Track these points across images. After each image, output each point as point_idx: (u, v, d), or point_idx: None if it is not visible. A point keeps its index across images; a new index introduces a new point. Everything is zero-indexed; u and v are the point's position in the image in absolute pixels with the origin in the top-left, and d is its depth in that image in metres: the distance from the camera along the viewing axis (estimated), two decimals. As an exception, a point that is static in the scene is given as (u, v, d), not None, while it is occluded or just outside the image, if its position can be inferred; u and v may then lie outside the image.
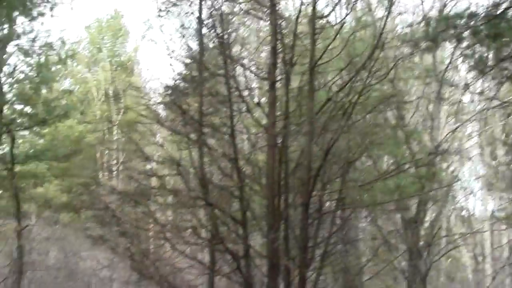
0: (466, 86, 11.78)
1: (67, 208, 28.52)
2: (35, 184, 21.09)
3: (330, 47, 7.93)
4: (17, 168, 14.05)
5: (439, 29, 6.87)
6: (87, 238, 11.19)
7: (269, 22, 8.32)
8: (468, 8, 6.91)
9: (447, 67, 11.68)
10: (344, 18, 8.65)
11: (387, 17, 8.24)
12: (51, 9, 12.91)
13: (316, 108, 7.85)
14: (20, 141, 18.13)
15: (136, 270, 8.72)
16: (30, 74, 13.55)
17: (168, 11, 9.02)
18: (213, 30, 8.52)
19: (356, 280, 11.06)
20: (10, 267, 14.31)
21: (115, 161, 24.07)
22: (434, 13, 11.29)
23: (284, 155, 7.99)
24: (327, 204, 8.60)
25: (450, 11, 10.38)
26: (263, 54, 10.01)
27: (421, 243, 11.47)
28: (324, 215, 8.14)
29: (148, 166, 11.74)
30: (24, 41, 13.17)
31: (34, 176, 18.02)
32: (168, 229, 8.49)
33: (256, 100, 8.88)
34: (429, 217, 12.75)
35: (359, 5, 11.16)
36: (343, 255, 9.63)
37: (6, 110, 13.61)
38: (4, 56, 13.23)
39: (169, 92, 8.94)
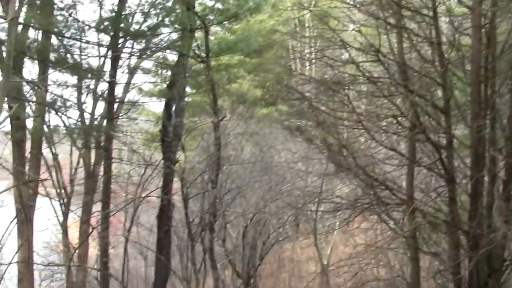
0: None
1: (261, 103, 31.74)
2: (229, 80, 24.04)
3: None
4: (212, 62, 16.65)
5: None
6: (282, 131, 13.25)
7: None
8: None
9: None
10: None
11: None
12: None
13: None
14: (212, 38, 20.84)
15: (332, 161, 10.46)
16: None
17: None
18: None
19: None
20: (207, 161, 17.30)
21: (308, 51, 26.03)
22: None
23: (491, 37, 8.86)
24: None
25: None
26: None
27: None
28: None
29: (345, 54, 13.18)
30: None
31: (228, 68, 20.64)
32: (366, 119, 9.97)
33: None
34: None
35: None
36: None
37: (197, 6, 15.94)
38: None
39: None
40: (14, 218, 15.66)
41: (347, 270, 12.83)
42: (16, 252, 17.95)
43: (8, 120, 17.79)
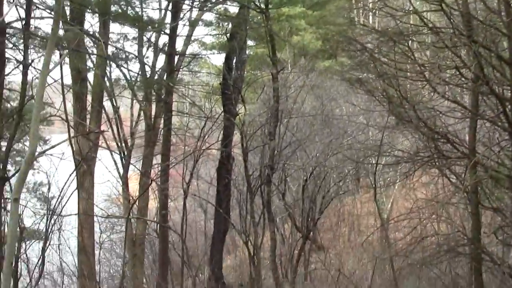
0: None
1: (323, 55, 31.72)
2: (290, 32, 24.11)
3: None
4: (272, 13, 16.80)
5: None
6: (343, 82, 13.31)
7: None
8: None
9: None
10: None
11: None
12: None
13: None
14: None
15: (393, 114, 10.53)
16: None
17: None
18: None
19: None
20: (267, 114, 17.52)
21: (371, 1, 25.79)
22: None
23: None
24: None
25: None
26: None
27: None
28: None
29: (407, 3, 13.10)
30: None
31: (289, 19, 20.68)
32: (428, 70, 9.99)
33: None
34: None
35: None
36: None
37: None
38: None
39: None
40: (74, 170, 16.17)
41: (406, 224, 12.95)
42: (77, 204, 18.72)
43: (69, 73, 18.39)
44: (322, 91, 20.44)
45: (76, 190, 18.63)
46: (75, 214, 18.04)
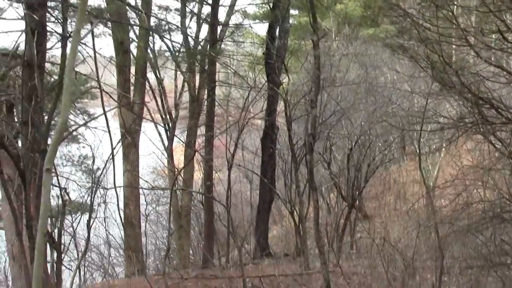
0: None
1: (366, 23, 31.70)
2: (334, 0, 24.15)
3: None
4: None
5: None
6: (388, 51, 13.42)
7: None
8: None
9: None
10: None
11: None
12: None
13: None
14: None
15: (437, 80, 10.64)
16: None
17: None
18: None
19: None
20: (310, 83, 17.68)
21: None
22: None
23: None
24: None
25: None
26: None
27: None
28: None
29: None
30: None
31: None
32: (472, 35, 10.07)
33: None
34: None
35: None
36: None
37: None
38: None
39: None
40: (118, 142, 16.60)
41: (452, 191, 13.09)
42: (122, 177, 19.24)
43: (112, 45, 18.84)
44: (366, 59, 20.55)
45: (121, 163, 19.19)
46: (120, 187, 18.55)
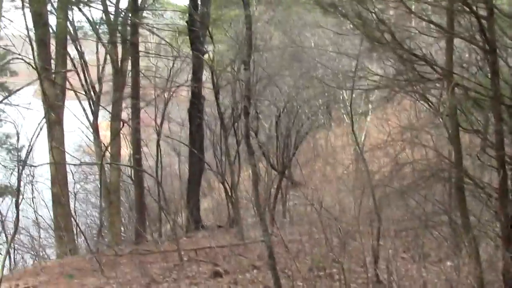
0: None
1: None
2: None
3: None
4: None
5: None
6: (315, 6, 12.77)
7: None
8: None
9: None
10: None
11: None
12: None
13: None
14: None
15: (369, 38, 10.09)
16: None
17: None
18: None
19: None
20: (234, 50, 17.02)
21: None
22: None
23: None
24: None
25: None
26: None
27: None
28: None
29: None
30: None
31: None
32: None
33: None
34: None
35: None
36: None
37: None
38: None
39: None
40: (43, 119, 15.50)
41: (381, 155, 12.71)
42: (48, 155, 18.15)
43: (30, 17, 17.64)
44: (289, 25, 19.93)
45: (46, 140, 18.12)
46: (47, 164, 17.55)
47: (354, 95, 11.81)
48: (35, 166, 16.99)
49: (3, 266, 13.37)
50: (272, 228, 14.39)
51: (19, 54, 15.27)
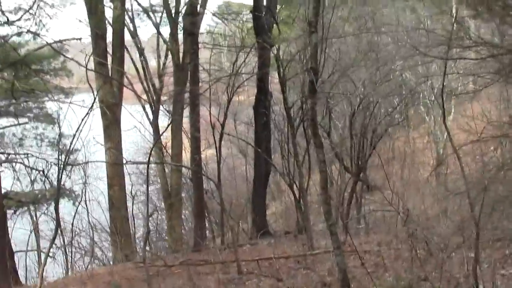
0: None
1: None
2: None
3: None
4: None
5: None
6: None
7: None
8: None
9: None
10: None
11: None
12: None
13: None
14: None
15: (470, 5, 8.15)
16: None
17: None
18: None
19: None
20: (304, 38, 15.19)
21: None
22: None
23: None
24: None
25: None
26: None
27: None
28: None
29: None
30: None
31: None
32: None
33: None
34: None
35: None
36: None
37: None
38: None
39: None
40: (86, 115, 13.65)
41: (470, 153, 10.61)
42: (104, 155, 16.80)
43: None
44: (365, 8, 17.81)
45: (103, 140, 16.75)
46: (103, 161, 16.20)
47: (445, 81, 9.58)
48: (74, 165, 15.61)
49: (41, 274, 11.90)
50: (345, 237, 12.47)
51: (65, 56, 13.61)
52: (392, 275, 8.83)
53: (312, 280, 9.50)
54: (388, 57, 15.51)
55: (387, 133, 18.15)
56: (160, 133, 18.21)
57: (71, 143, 12.46)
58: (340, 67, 15.24)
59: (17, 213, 17.14)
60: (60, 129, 13.85)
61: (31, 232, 17.27)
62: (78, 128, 11.83)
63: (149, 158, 12.11)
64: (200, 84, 16.96)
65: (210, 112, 16.86)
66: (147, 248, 14.14)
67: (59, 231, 18.25)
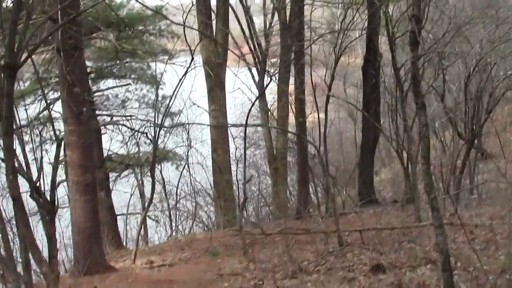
0: None
1: None
2: None
3: None
4: None
5: None
6: None
7: None
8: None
9: None
10: None
11: None
12: None
13: None
14: None
15: None
16: None
17: None
18: None
19: None
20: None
21: None
22: None
23: None
24: None
25: None
26: None
27: None
28: None
29: None
30: None
31: None
32: None
33: None
34: None
35: None
36: None
37: None
38: None
39: None
40: (183, 76, 13.27)
41: None
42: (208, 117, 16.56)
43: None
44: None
45: (206, 103, 16.48)
46: (205, 124, 15.91)
47: None
48: (171, 127, 15.44)
49: (137, 239, 11.83)
50: (456, 208, 11.58)
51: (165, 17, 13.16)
52: (505, 253, 7.95)
53: (416, 255, 8.74)
54: (508, 13, 14.30)
55: (505, 97, 16.82)
56: (264, 94, 17.78)
57: (168, 104, 12.16)
58: (455, 25, 14.08)
59: (121, 175, 17.26)
60: (157, 90, 13.54)
61: (131, 196, 17.34)
62: (175, 89, 11.47)
63: (246, 120, 11.62)
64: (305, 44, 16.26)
65: (311, 73, 16.13)
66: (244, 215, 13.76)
67: (163, 195, 18.51)
